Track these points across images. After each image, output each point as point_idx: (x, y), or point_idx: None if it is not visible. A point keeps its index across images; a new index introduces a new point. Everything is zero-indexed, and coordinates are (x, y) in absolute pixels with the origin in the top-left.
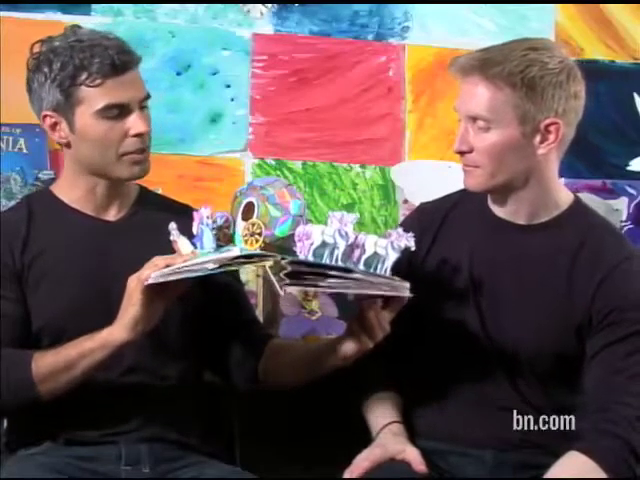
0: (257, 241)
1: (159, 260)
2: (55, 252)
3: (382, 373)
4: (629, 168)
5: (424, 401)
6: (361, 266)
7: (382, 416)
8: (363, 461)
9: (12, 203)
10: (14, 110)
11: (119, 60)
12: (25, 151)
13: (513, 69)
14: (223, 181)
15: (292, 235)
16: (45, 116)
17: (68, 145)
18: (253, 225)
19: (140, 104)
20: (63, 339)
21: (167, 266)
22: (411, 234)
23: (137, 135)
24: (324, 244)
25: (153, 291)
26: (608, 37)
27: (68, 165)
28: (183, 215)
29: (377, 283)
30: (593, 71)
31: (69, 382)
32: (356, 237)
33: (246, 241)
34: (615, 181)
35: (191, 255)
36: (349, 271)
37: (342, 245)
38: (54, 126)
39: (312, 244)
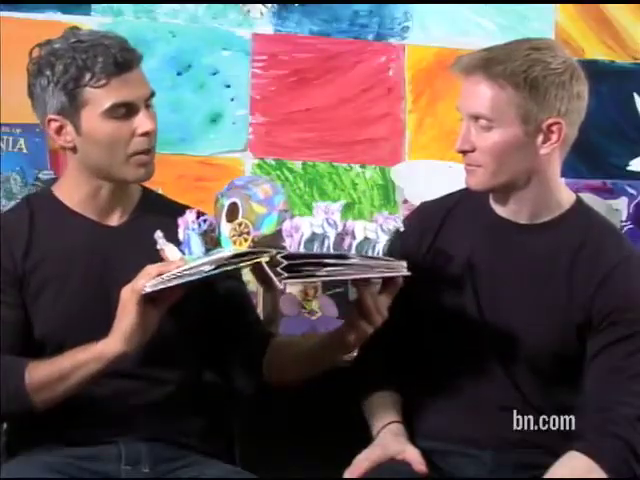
0: (246, 240)
1: (152, 269)
2: (57, 259)
3: (382, 373)
4: (629, 168)
5: (424, 401)
6: (353, 252)
7: (382, 416)
8: (363, 461)
9: (12, 203)
10: (14, 110)
11: (122, 58)
12: (25, 151)
13: (516, 68)
14: (223, 181)
15: (280, 232)
16: (50, 120)
17: (74, 149)
18: (240, 225)
19: (146, 102)
20: (66, 347)
21: (160, 274)
22: (399, 216)
23: (145, 134)
24: (314, 235)
25: (147, 301)
26: (608, 37)
27: (73, 168)
28: None
29: (374, 266)
30: (593, 71)
31: (64, 393)
32: (344, 225)
33: (235, 242)
34: (615, 181)
35: (180, 261)
36: (345, 257)
37: (332, 234)
38: (59, 130)
39: (302, 236)
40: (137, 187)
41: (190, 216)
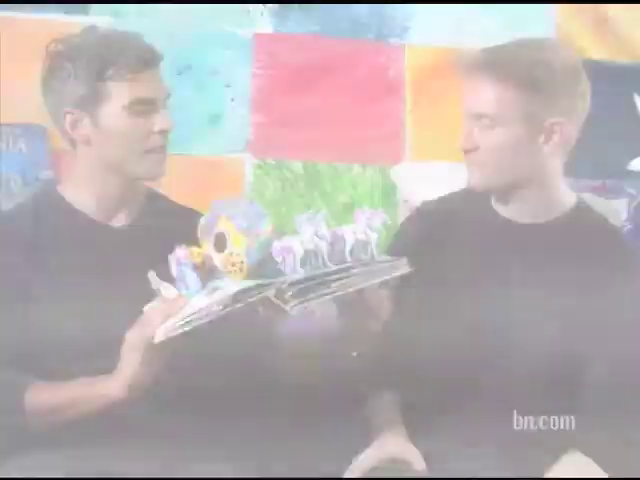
0: (241, 270)
1: (156, 316)
2: (61, 261)
3: (382, 373)
4: (629, 168)
5: (424, 401)
6: (348, 258)
7: (382, 416)
8: (363, 461)
9: (12, 203)
10: (14, 110)
11: (147, 55)
12: (25, 151)
13: (519, 68)
14: (223, 181)
15: (270, 254)
16: (65, 113)
17: (88, 142)
18: (231, 255)
19: (164, 101)
20: (65, 348)
21: (165, 317)
22: (380, 211)
23: (162, 131)
24: (307, 253)
25: (153, 347)
26: (608, 37)
27: (83, 165)
28: (188, 220)
29: (378, 270)
30: (593, 71)
31: (61, 422)
32: (333, 232)
33: (229, 272)
34: (615, 181)
35: (179, 299)
36: (347, 269)
37: (324, 246)
38: (75, 123)
39: (295, 256)
40: (143, 188)
41: (180, 252)
